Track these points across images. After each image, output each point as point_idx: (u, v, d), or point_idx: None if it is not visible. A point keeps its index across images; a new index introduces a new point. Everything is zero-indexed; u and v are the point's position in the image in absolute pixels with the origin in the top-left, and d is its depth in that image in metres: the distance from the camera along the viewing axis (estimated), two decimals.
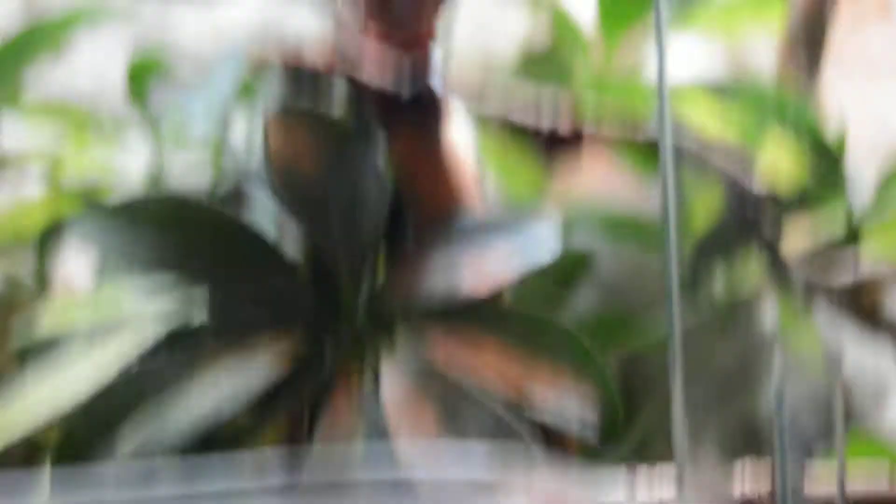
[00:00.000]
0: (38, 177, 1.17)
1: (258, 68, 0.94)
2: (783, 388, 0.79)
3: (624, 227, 1.23)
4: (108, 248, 0.91)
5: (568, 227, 1.23)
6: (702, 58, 1.40)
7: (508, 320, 0.89)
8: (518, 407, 0.84)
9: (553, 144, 0.91)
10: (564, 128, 0.91)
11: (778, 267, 0.92)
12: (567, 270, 1.24)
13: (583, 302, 1.31)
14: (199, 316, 0.93)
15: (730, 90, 1.15)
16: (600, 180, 1.38)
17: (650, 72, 1.34)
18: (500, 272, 0.90)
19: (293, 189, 0.92)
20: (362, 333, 0.90)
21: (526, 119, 0.93)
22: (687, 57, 1.37)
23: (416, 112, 0.94)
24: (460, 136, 1.00)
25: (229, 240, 0.90)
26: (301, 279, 0.91)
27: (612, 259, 1.34)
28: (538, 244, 0.91)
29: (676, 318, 0.81)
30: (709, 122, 1.17)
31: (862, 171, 1.10)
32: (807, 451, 0.83)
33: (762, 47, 1.41)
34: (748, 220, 0.89)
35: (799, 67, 1.19)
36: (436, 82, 0.95)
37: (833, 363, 0.79)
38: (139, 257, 0.90)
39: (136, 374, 0.86)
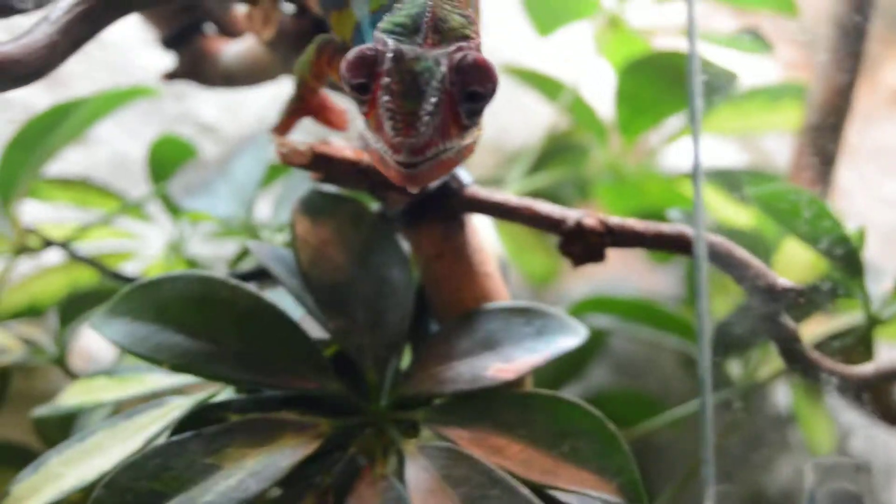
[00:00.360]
0: (59, 246, 1.18)
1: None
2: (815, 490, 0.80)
3: (638, 309, 1.24)
4: (133, 325, 0.90)
5: (584, 310, 1.24)
6: (718, 150, 1.43)
7: (533, 403, 0.89)
8: (545, 492, 0.84)
9: (578, 236, 0.92)
10: (591, 220, 0.91)
11: (795, 354, 0.92)
12: (583, 348, 1.26)
13: (598, 378, 1.32)
14: (226, 392, 0.94)
15: (749, 181, 1.17)
16: (615, 260, 1.39)
17: (665, 162, 1.37)
18: (526, 357, 0.90)
19: (319, 274, 0.92)
20: (387, 417, 0.90)
21: (552, 211, 0.93)
22: (702, 150, 1.39)
23: (441, 201, 0.95)
24: (485, 225, 1.01)
25: (254, 320, 0.90)
26: (325, 363, 0.91)
27: (625, 339, 1.35)
28: (564, 328, 0.91)
29: (708, 394, 0.81)
30: (726, 208, 1.19)
31: (878, 262, 1.11)
32: None
33: (777, 143, 1.43)
34: (767, 307, 0.90)
35: (814, 161, 1.21)
36: (461, 173, 0.95)
37: (863, 481, 0.79)
38: (163, 336, 0.89)
39: (162, 448, 0.86)
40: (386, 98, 0.69)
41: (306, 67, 0.88)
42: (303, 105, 0.91)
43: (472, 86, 0.71)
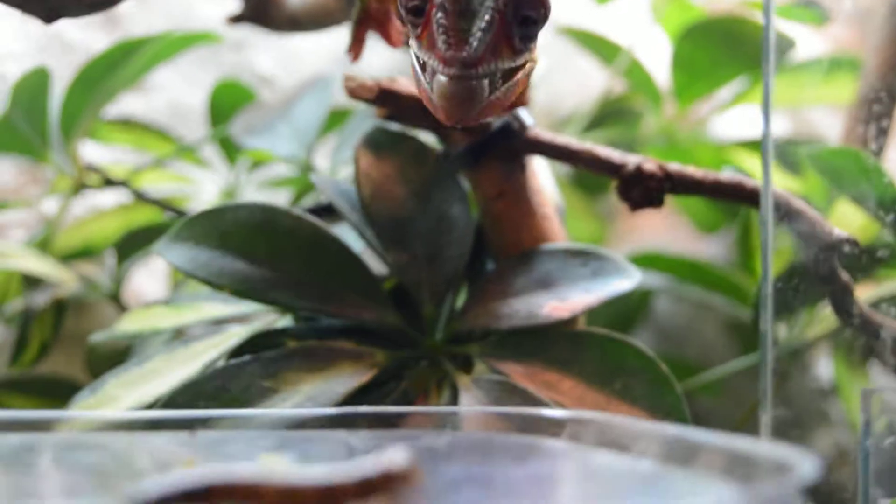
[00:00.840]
0: (119, 185, 1.19)
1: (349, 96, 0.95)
2: (868, 432, 0.80)
3: (688, 268, 1.25)
4: (196, 250, 0.91)
5: (638, 264, 1.25)
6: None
7: (586, 341, 0.90)
8: None
9: (637, 181, 0.93)
10: (650, 165, 0.92)
11: (847, 306, 0.93)
12: (629, 307, 1.27)
13: (641, 339, 1.33)
14: (284, 321, 0.95)
15: (803, 146, 1.17)
16: (661, 230, 1.40)
17: (715, 130, 1.38)
18: (581, 297, 0.91)
19: (380, 209, 0.93)
20: (442, 351, 0.92)
21: (612, 155, 0.94)
22: (750, 120, 1.40)
23: (502, 142, 0.96)
24: (544, 170, 1.02)
25: (315, 249, 0.91)
26: (384, 295, 0.92)
27: (669, 301, 1.36)
28: (619, 271, 0.92)
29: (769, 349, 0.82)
30: (777, 176, 1.19)
31: None
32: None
33: (827, 117, 1.43)
34: (825, 264, 0.91)
35: (866, 134, 1.21)
36: (523, 114, 0.96)
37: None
38: (225, 261, 0.91)
39: (220, 371, 0.87)
40: (440, 16, 0.69)
41: None
42: (367, 14, 0.90)
43: (525, 9, 0.71)
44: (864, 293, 1.09)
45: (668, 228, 1.42)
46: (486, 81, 0.69)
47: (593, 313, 1.08)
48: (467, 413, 0.79)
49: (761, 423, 0.82)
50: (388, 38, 0.91)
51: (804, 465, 0.50)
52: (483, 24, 0.69)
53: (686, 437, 0.61)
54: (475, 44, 0.68)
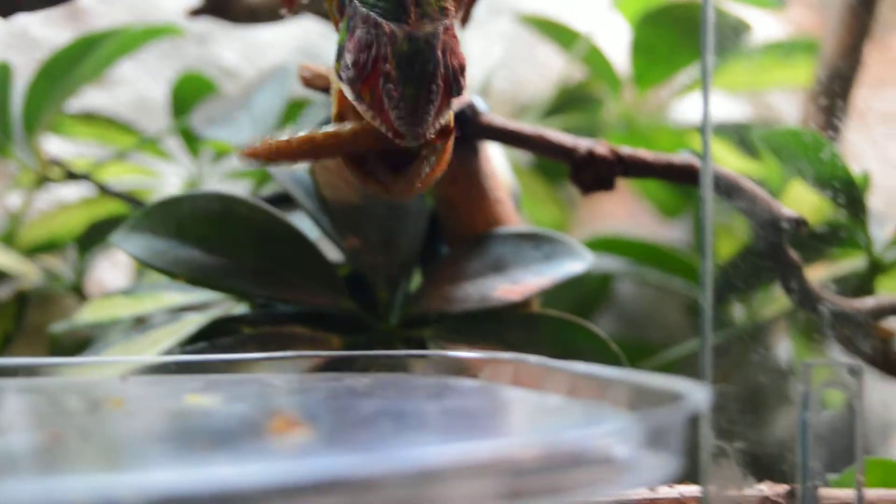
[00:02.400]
0: (81, 178, 1.20)
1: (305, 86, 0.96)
2: (807, 405, 0.82)
3: (646, 252, 1.26)
4: (153, 240, 0.92)
5: (595, 248, 1.26)
6: (727, 105, 1.44)
7: (539, 323, 0.91)
8: None
9: (588, 164, 0.94)
10: (601, 148, 0.93)
11: (800, 290, 0.94)
12: (589, 291, 1.28)
13: (603, 324, 1.34)
14: (241, 308, 0.96)
15: (758, 129, 1.19)
16: (623, 215, 1.42)
17: (676, 114, 1.39)
18: (533, 279, 0.92)
19: (335, 196, 0.94)
20: (396, 335, 0.93)
21: (563, 139, 0.95)
22: (713, 104, 1.41)
23: (456, 127, 0.97)
24: (498, 155, 1.03)
25: (271, 237, 0.92)
26: (339, 280, 0.93)
27: (631, 284, 1.37)
28: (571, 254, 0.93)
29: (709, 335, 0.83)
30: (732, 159, 1.21)
31: (883, 215, 1.13)
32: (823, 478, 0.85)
33: (786, 101, 1.45)
34: (774, 243, 0.92)
35: (823, 120, 1.22)
36: (476, 100, 0.97)
37: (856, 383, 0.81)
38: (182, 251, 0.91)
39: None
40: (388, 86, 0.71)
41: None
42: None
43: (457, 65, 0.73)
44: (820, 272, 1.11)
45: (629, 213, 1.43)
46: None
47: (554, 297, 1.09)
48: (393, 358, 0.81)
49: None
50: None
51: (694, 395, 0.54)
52: (430, 94, 0.71)
53: (594, 373, 0.65)
54: (426, 118, 0.71)
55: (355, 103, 0.74)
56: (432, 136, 0.72)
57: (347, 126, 0.76)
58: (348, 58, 0.74)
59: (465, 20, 0.92)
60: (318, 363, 0.82)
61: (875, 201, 1.41)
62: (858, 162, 1.44)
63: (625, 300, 1.42)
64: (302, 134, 0.77)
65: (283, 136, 0.77)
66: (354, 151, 0.76)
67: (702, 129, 0.85)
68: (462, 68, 0.74)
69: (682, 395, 0.55)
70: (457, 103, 0.91)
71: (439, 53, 0.72)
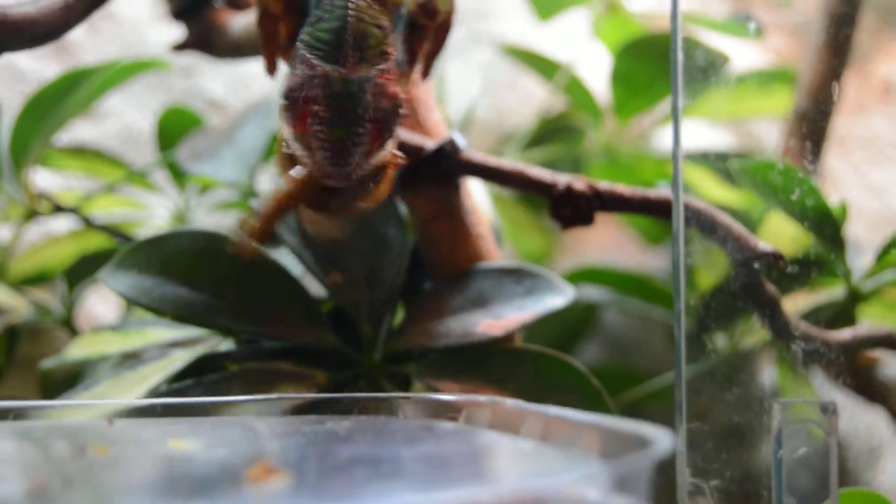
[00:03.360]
0: (70, 212, 1.21)
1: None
2: (781, 442, 0.83)
3: (629, 282, 1.28)
4: (139, 277, 0.93)
5: (576, 280, 1.28)
6: (709, 135, 1.46)
7: (521, 358, 0.92)
8: None
9: (567, 200, 0.95)
10: (580, 184, 0.94)
11: (778, 324, 0.96)
12: (574, 321, 1.29)
13: (589, 352, 1.36)
14: (227, 344, 0.97)
15: (735, 160, 1.20)
16: (608, 242, 1.43)
17: (658, 143, 1.40)
18: (515, 314, 0.94)
19: (318, 232, 0.96)
20: (380, 370, 0.94)
21: (543, 175, 0.96)
22: (694, 134, 1.43)
23: (436, 164, 0.98)
24: (478, 190, 1.05)
25: (256, 274, 0.94)
26: (323, 316, 0.94)
27: (617, 313, 1.39)
28: (552, 288, 0.95)
29: (683, 366, 0.85)
30: (714, 189, 1.22)
31: (862, 244, 1.14)
32: None
33: (768, 129, 1.46)
34: (751, 278, 0.93)
35: (802, 145, 1.24)
36: (456, 136, 0.99)
37: (829, 421, 0.82)
38: (167, 288, 0.93)
39: (163, 395, 0.89)
40: (316, 127, 0.73)
41: None
42: (263, 18, 0.89)
43: (388, 106, 0.75)
44: (801, 302, 1.12)
45: (614, 241, 1.44)
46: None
47: (539, 327, 1.10)
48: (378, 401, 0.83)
49: (678, 434, 0.85)
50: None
51: (661, 441, 0.56)
52: (358, 137, 0.73)
53: (567, 417, 0.66)
54: (352, 159, 0.73)
55: (291, 142, 0.76)
56: (361, 175, 0.74)
57: (294, 176, 0.77)
58: (284, 98, 0.76)
59: (425, 73, 0.93)
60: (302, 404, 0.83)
61: (857, 227, 1.43)
62: (839, 188, 1.46)
63: (610, 328, 1.43)
64: (266, 203, 0.78)
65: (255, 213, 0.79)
66: (309, 195, 0.77)
67: (673, 166, 0.87)
68: (396, 109, 0.75)
69: (650, 440, 0.57)
70: (434, 140, 0.93)
71: (369, 96, 0.74)
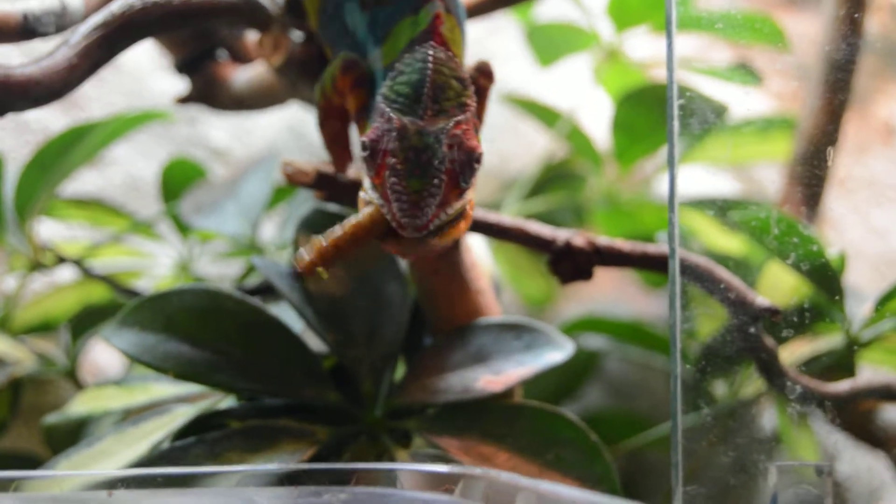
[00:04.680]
0: (72, 263, 1.22)
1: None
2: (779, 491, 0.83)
3: (630, 331, 1.28)
4: (142, 335, 0.94)
5: (577, 329, 1.28)
6: (711, 180, 1.47)
7: (520, 414, 0.93)
8: None
9: (567, 256, 0.96)
10: (579, 240, 0.95)
11: (776, 377, 0.96)
12: (577, 368, 1.30)
13: (592, 398, 1.36)
14: (229, 401, 0.98)
15: (735, 208, 1.20)
16: (610, 286, 1.44)
17: (660, 190, 1.41)
18: (514, 370, 0.94)
19: (319, 289, 0.96)
20: (381, 426, 0.94)
21: (542, 231, 0.97)
22: (696, 179, 1.43)
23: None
24: (478, 244, 1.06)
25: (257, 331, 0.94)
26: (324, 373, 0.95)
27: (619, 360, 1.39)
28: (552, 343, 0.95)
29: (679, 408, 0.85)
30: (716, 236, 1.23)
31: (863, 288, 1.15)
32: None
33: (772, 173, 1.47)
34: (746, 325, 0.94)
35: (803, 190, 1.24)
36: None
37: (824, 483, 0.83)
38: (170, 345, 0.93)
39: (166, 452, 0.90)
40: (393, 179, 0.74)
41: (328, 80, 0.91)
42: (326, 120, 0.93)
43: (467, 158, 0.76)
44: (801, 349, 1.13)
45: (617, 285, 1.45)
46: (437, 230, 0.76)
47: (542, 375, 1.11)
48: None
49: (675, 496, 0.85)
50: (335, 157, 0.94)
51: None
52: (433, 189, 0.74)
53: (558, 493, 0.67)
54: (428, 210, 0.74)
55: (369, 192, 0.77)
56: (436, 227, 0.75)
57: (365, 213, 0.78)
58: (364, 149, 0.77)
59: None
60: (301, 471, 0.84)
61: (859, 268, 1.43)
62: (840, 230, 1.47)
63: (613, 373, 1.44)
64: (336, 233, 0.79)
65: (321, 238, 0.79)
66: (376, 235, 0.78)
67: (668, 221, 0.87)
68: (474, 159, 0.76)
69: None
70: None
71: (446, 147, 0.75)
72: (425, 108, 0.76)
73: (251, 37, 1.16)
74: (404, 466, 0.83)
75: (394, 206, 0.74)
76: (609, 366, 1.43)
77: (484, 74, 0.89)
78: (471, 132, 0.77)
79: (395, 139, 0.75)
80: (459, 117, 0.77)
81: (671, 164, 0.88)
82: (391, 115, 0.76)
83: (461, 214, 0.77)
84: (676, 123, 0.88)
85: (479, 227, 0.99)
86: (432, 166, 0.74)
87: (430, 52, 0.79)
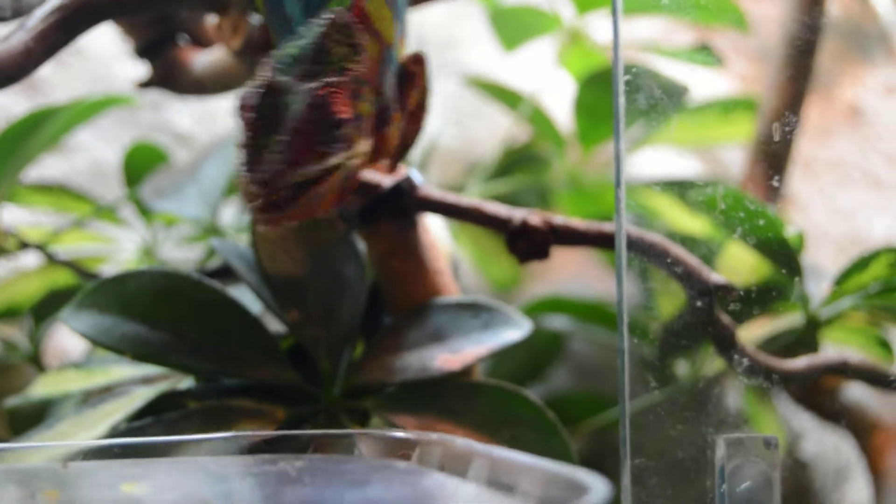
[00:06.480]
0: (36, 249, 1.22)
1: None
2: (724, 477, 0.84)
3: (593, 311, 1.28)
4: (99, 317, 0.94)
5: (541, 310, 1.29)
6: (676, 162, 1.47)
7: (477, 392, 0.93)
8: None
9: (523, 235, 0.96)
10: (535, 219, 0.95)
11: (734, 355, 0.97)
12: (541, 349, 1.30)
13: (557, 380, 1.36)
14: (187, 382, 0.98)
15: (693, 190, 1.21)
16: (575, 267, 1.44)
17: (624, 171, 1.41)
18: (471, 348, 0.95)
19: (277, 270, 0.97)
20: (339, 405, 0.95)
21: (498, 210, 0.97)
22: (662, 161, 1.44)
23: (394, 201, 0.99)
24: (437, 225, 1.06)
25: (215, 312, 0.95)
26: (282, 353, 0.95)
27: (585, 342, 1.40)
28: (509, 322, 0.96)
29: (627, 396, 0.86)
30: (681, 217, 1.23)
31: (829, 269, 1.15)
32: None
33: (736, 155, 1.47)
34: (704, 311, 0.94)
35: (766, 173, 1.25)
36: (414, 174, 1.00)
37: (772, 455, 0.84)
38: (128, 327, 0.93)
39: (123, 433, 0.90)
40: (245, 133, 0.75)
41: None
42: None
43: (328, 118, 0.75)
44: (761, 328, 1.13)
45: (582, 266, 1.45)
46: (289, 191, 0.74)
47: (506, 355, 1.12)
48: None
49: (623, 469, 0.86)
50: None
51: (598, 489, 0.58)
52: (282, 145, 0.73)
53: (511, 459, 0.68)
54: (272, 167, 0.73)
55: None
56: (286, 185, 0.74)
57: None
58: (236, 108, 0.77)
59: (394, 164, 0.94)
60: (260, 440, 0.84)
61: (824, 250, 1.44)
62: (806, 212, 1.48)
63: (578, 354, 1.44)
64: None
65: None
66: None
67: (616, 198, 0.87)
68: (333, 123, 0.75)
69: (588, 487, 0.58)
70: (392, 176, 0.94)
71: (306, 108, 0.74)
72: (303, 69, 0.76)
73: (211, 20, 1.16)
74: (361, 432, 0.83)
75: (240, 159, 0.74)
76: (574, 347, 1.44)
77: (416, 61, 0.89)
78: (341, 97, 0.76)
79: (256, 95, 0.75)
80: (332, 79, 0.76)
81: (617, 140, 0.89)
82: (267, 73, 0.76)
83: (324, 179, 0.76)
84: (622, 100, 0.89)
85: (437, 207, 1.00)
86: (283, 123, 0.74)
87: (329, 17, 0.78)
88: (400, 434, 0.81)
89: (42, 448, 0.86)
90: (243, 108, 0.76)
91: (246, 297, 0.97)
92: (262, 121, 0.74)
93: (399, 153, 0.93)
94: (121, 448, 0.82)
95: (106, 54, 1.44)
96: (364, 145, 0.79)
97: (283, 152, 0.73)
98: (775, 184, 1.24)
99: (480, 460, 0.70)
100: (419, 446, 0.77)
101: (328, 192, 0.77)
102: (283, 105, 0.74)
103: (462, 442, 0.74)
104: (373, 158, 0.87)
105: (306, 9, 0.86)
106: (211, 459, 0.80)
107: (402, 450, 0.78)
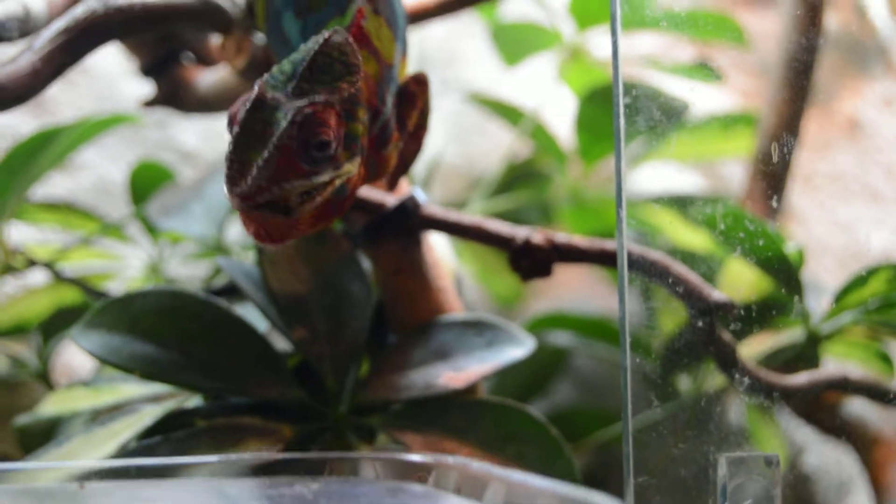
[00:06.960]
0: (44, 266, 1.23)
1: None
2: (726, 496, 0.85)
3: (595, 326, 1.29)
4: (108, 336, 0.95)
5: (544, 326, 1.30)
6: (677, 177, 1.48)
7: (482, 410, 0.94)
8: None
9: (525, 253, 0.97)
10: (538, 237, 0.96)
11: (733, 368, 0.97)
12: (545, 365, 1.31)
13: (560, 395, 1.37)
14: (195, 400, 0.99)
15: (694, 208, 1.22)
16: (579, 283, 1.45)
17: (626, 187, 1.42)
18: (475, 366, 0.95)
19: (283, 288, 0.97)
20: (345, 423, 0.96)
21: (501, 228, 0.98)
22: (663, 176, 1.45)
23: (398, 220, 1.00)
24: (441, 243, 1.07)
25: (222, 330, 0.95)
26: (288, 371, 0.96)
27: (588, 357, 1.40)
28: (513, 340, 0.97)
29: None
30: (682, 233, 1.24)
31: (829, 283, 1.16)
32: None
33: (737, 170, 1.48)
34: (705, 329, 0.95)
35: (765, 186, 1.25)
36: (417, 193, 1.01)
37: (773, 473, 0.84)
38: (136, 346, 0.94)
39: (133, 451, 0.91)
40: (230, 147, 0.74)
41: None
42: None
43: (313, 136, 0.76)
44: (763, 344, 1.14)
45: (585, 281, 1.46)
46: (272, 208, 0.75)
47: (510, 371, 1.12)
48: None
49: (626, 488, 0.87)
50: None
51: None
52: (265, 160, 0.73)
53: (528, 483, 0.68)
54: (250, 180, 0.73)
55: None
56: (261, 200, 0.74)
57: None
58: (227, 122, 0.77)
59: (392, 183, 0.95)
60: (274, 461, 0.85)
61: (825, 263, 1.45)
62: (806, 225, 1.48)
63: (581, 369, 1.45)
64: None
65: None
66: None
67: (617, 215, 0.88)
68: (316, 143, 0.75)
69: None
70: (396, 195, 0.95)
71: (294, 125, 0.74)
72: (296, 85, 0.76)
73: (215, 40, 1.17)
74: (378, 455, 0.84)
75: (225, 173, 0.74)
76: (577, 362, 1.44)
77: (417, 82, 0.90)
78: (328, 115, 0.76)
79: (245, 109, 0.75)
80: (321, 97, 0.76)
81: (618, 158, 0.90)
82: (256, 87, 0.76)
83: (311, 197, 0.76)
84: (622, 119, 0.89)
85: (440, 225, 1.01)
86: (268, 138, 0.74)
87: (326, 35, 0.79)
88: (416, 457, 0.81)
89: (60, 467, 0.86)
90: (231, 121, 0.76)
91: (252, 315, 0.98)
92: (248, 135, 0.74)
93: (398, 172, 0.94)
94: (137, 469, 0.83)
95: (112, 73, 1.45)
96: (354, 164, 0.79)
97: (265, 167, 0.73)
98: (774, 204, 1.25)
99: (497, 484, 0.70)
100: (435, 469, 0.77)
101: (317, 209, 0.77)
102: (271, 120, 0.75)
103: (478, 465, 0.74)
104: (371, 177, 0.87)
105: (304, 28, 0.87)
106: (227, 482, 0.81)
107: (418, 473, 0.79)
